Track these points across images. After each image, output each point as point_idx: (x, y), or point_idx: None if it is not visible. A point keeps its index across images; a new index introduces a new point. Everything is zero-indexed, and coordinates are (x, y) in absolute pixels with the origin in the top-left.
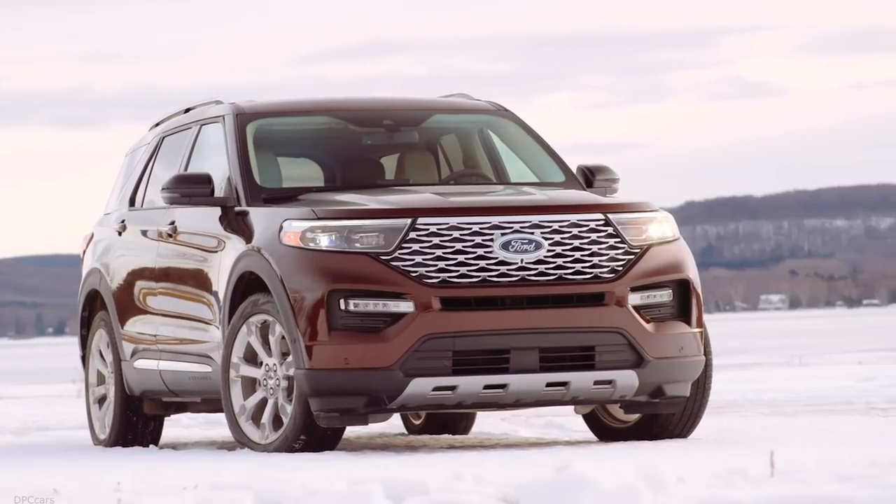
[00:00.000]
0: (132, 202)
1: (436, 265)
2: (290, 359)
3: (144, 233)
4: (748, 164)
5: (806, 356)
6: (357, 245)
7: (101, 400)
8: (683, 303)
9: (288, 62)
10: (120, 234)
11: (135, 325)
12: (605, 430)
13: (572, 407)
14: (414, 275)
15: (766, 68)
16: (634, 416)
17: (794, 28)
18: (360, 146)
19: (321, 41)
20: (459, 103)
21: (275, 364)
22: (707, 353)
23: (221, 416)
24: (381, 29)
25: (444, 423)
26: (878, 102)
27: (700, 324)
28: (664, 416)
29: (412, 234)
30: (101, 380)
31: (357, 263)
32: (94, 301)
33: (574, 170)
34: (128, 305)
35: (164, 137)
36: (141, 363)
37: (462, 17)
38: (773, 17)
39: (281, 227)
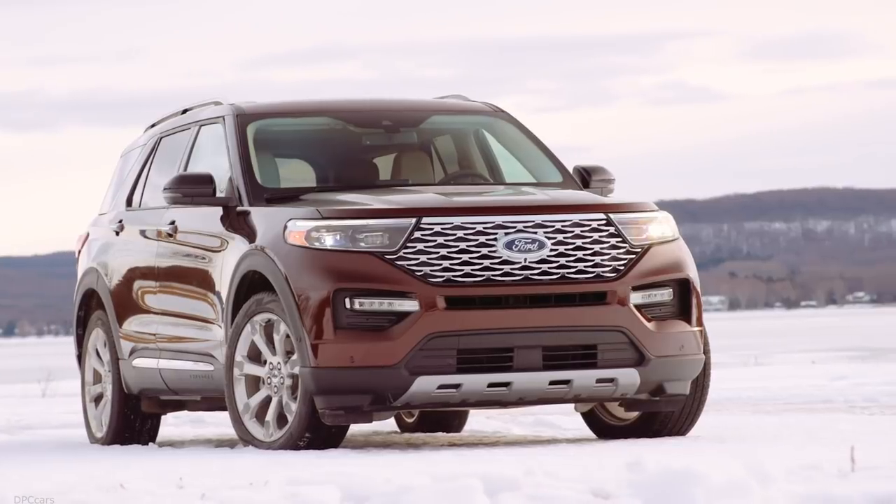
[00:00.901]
0: (129, 202)
1: (440, 264)
2: (294, 357)
3: (143, 232)
4: (690, 169)
5: (759, 356)
6: (362, 244)
7: (98, 398)
8: (684, 302)
9: (237, 66)
10: (117, 233)
11: (133, 324)
12: (603, 427)
13: (567, 404)
14: (419, 274)
15: (707, 74)
16: (633, 414)
17: (735, 34)
18: (359, 147)
19: (270, 46)
20: (457, 104)
21: (279, 362)
22: (706, 351)
23: (207, 415)
24: (329, 34)
25: (437, 420)
26: (816, 108)
27: (700, 322)
28: (664, 413)
29: (417, 234)
30: (97, 378)
31: (362, 262)
32: (90, 300)
33: (570, 170)
34: (126, 304)
35: (161, 138)
36: (140, 362)
37: (410, 23)
38: (714, 23)
39: (285, 227)
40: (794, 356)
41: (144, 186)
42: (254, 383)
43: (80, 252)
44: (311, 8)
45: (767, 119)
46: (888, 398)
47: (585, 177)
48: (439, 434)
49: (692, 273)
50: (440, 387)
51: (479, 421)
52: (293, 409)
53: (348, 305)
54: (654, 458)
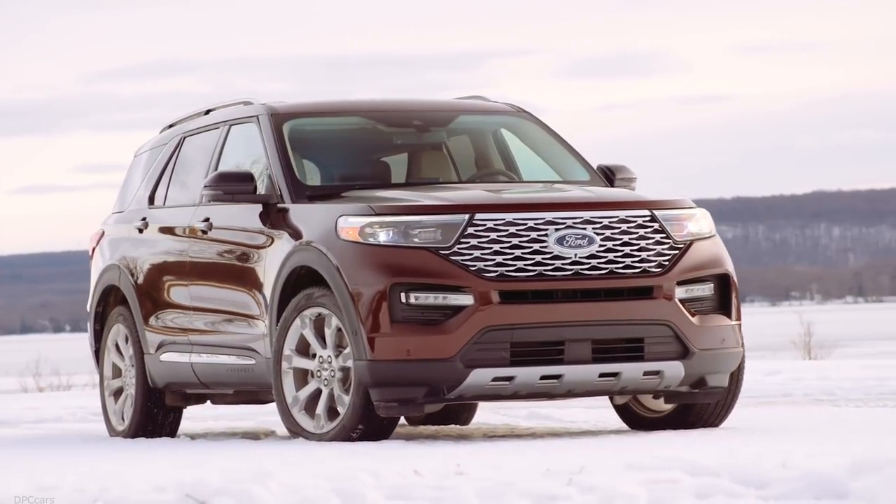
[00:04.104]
0: (151, 200)
1: (493, 259)
2: (346, 351)
3: (171, 230)
4: None
5: None
6: (415, 240)
7: (117, 393)
8: (724, 296)
9: (79, 80)
10: (141, 231)
11: (162, 320)
12: (637, 419)
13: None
14: (473, 269)
15: (528, 90)
16: (667, 407)
17: (553, 52)
18: (390, 146)
19: (110, 60)
20: (483, 105)
21: (329, 356)
22: (742, 345)
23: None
24: (166, 50)
25: (446, 414)
26: (628, 123)
27: (738, 317)
28: (699, 405)
29: (470, 230)
30: (116, 373)
31: (417, 257)
32: (108, 296)
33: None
34: (154, 300)
35: (184, 138)
36: (168, 356)
37: (244, 40)
38: (533, 43)
39: (337, 223)
40: None
41: (168, 185)
42: (302, 377)
43: (94, 250)
44: (148, 24)
45: (584, 133)
46: (844, 392)
47: (609, 175)
48: (450, 426)
49: (731, 268)
50: (494, 379)
51: (483, 414)
52: (345, 402)
53: (404, 300)
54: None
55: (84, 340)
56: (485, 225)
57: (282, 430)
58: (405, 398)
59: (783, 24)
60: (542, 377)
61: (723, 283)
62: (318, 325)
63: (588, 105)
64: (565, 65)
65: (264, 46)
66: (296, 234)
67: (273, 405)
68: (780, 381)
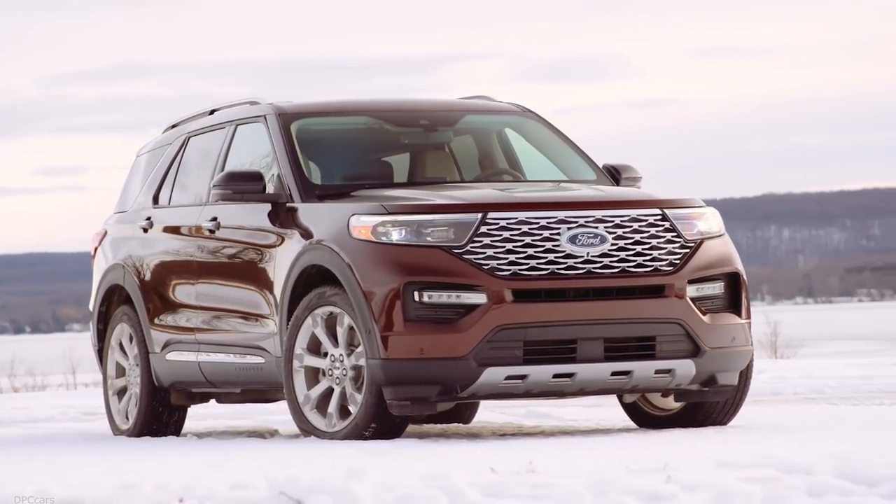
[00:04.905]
0: (156, 200)
1: (506, 258)
2: (358, 349)
3: (177, 229)
4: None
5: None
6: (428, 239)
7: (121, 392)
8: (734, 295)
9: (38, 83)
10: (146, 230)
11: (168, 319)
12: (645, 418)
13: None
14: (486, 267)
15: (484, 94)
16: (676, 405)
17: (508, 57)
18: (398, 145)
19: (71, 64)
20: (488, 105)
21: (341, 354)
22: (751, 343)
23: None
24: (128, 53)
25: (448, 412)
26: (585, 126)
27: (748, 315)
28: (708, 404)
29: (483, 229)
30: (120, 372)
31: (430, 256)
32: (112, 296)
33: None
34: (160, 299)
35: (189, 138)
36: (174, 355)
37: (205, 45)
38: (489, 47)
39: (349, 222)
40: None
41: (174, 185)
42: (313, 375)
43: (95, 250)
44: (109, 28)
45: None
46: (833, 391)
47: (615, 174)
48: (453, 425)
49: (740, 267)
50: (507, 378)
51: (482, 413)
52: (357, 400)
53: (417, 298)
54: None
55: (47, 342)
56: (497, 224)
57: (284, 429)
58: (418, 397)
59: (735, 29)
60: (555, 375)
61: (733, 281)
62: (330, 324)
63: (543, 109)
64: (520, 69)
65: (224, 51)
66: (306, 234)
67: (274, 404)
68: (766, 381)
